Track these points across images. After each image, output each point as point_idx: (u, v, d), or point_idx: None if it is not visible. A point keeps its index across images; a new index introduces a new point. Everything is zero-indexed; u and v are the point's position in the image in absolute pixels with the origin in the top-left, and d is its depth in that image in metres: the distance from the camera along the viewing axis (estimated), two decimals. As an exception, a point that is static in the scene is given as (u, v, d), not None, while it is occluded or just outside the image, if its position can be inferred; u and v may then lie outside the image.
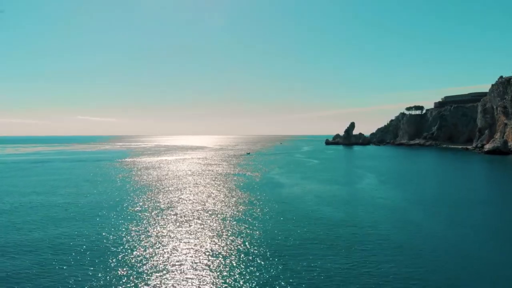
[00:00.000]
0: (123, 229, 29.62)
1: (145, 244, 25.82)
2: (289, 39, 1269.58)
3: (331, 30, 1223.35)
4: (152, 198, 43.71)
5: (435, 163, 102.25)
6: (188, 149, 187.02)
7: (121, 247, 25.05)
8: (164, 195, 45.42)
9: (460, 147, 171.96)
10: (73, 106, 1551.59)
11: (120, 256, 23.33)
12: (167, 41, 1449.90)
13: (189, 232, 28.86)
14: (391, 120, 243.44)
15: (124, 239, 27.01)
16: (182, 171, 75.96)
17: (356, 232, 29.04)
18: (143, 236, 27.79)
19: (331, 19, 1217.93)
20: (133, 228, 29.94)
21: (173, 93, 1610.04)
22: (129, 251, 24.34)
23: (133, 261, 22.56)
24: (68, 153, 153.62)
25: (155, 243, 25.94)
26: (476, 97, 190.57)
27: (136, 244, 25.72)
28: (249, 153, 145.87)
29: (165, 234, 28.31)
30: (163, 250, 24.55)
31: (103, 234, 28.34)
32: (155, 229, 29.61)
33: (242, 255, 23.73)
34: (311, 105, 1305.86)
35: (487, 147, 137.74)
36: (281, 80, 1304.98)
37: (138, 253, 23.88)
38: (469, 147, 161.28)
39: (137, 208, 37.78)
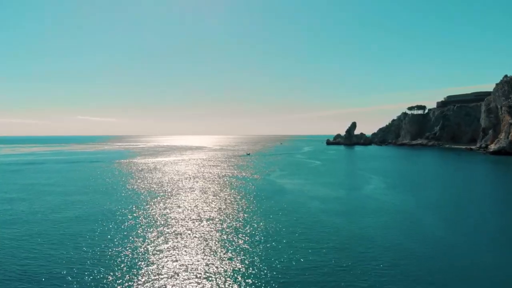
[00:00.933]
0: (106, 245, 26.42)
1: (131, 262, 22.67)
2: (289, 39, 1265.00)
3: (332, 30, 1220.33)
4: (143, 206, 40.59)
5: (440, 164, 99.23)
6: (187, 150, 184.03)
7: (102, 267, 21.88)
8: (156, 203, 42.28)
9: (463, 147, 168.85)
10: (73, 106, 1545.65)
11: (99, 280, 20.21)
12: (167, 41, 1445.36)
13: (181, 247, 25.68)
14: (393, 120, 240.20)
15: (107, 255, 23.84)
16: (178, 174, 72.84)
17: (369, 246, 25.89)
18: (128, 252, 24.61)
19: (332, 19, 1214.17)
20: (118, 241, 26.78)
21: (173, 93, 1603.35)
22: (111, 270, 21.19)
23: (116, 282, 19.45)
24: (65, 153, 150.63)
25: (142, 259, 22.80)
26: (479, 97, 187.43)
27: (119, 262, 22.57)
28: (248, 154, 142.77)
29: (155, 250, 25.16)
30: (151, 267, 21.44)
31: (82, 251, 25.18)
32: (143, 244, 26.44)
33: (239, 276, 20.62)
34: (311, 105, 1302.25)
35: (492, 147, 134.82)
36: (281, 80, 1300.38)
37: (121, 274, 20.74)
38: (473, 147, 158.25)
39: (125, 219, 34.63)
